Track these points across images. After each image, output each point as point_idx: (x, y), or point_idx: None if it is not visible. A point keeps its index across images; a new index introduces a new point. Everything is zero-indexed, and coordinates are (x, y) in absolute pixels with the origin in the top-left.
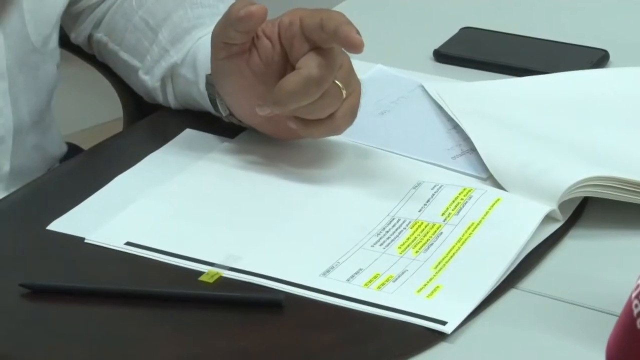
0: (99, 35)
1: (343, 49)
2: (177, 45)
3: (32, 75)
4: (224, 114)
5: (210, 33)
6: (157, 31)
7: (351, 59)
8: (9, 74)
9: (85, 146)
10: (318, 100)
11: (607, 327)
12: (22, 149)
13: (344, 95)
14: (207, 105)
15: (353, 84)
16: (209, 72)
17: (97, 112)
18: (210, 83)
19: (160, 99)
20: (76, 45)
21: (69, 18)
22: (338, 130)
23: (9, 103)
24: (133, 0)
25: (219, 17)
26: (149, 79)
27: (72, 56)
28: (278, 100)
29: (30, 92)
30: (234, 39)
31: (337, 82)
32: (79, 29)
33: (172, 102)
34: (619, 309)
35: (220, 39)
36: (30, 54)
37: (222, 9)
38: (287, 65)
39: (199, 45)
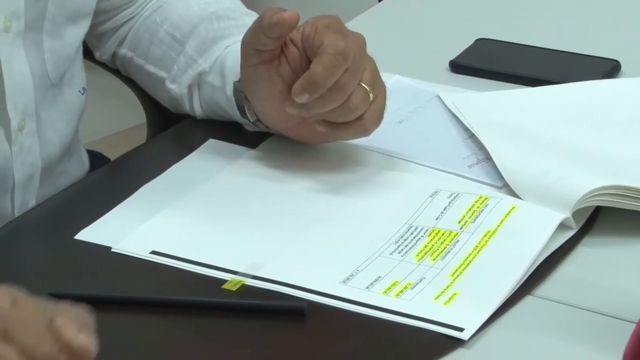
0: (124, 51)
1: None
2: (204, 54)
3: (54, 110)
4: (252, 120)
5: (238, 42)
6: (184, 43)
7: None
8: (36, 113)
9: (109, 154)
10: (346, 103)
11: (621, 333)
12: (49, 180)
13: (371, 98)
14: (233, 112)
15: (379, 86)
16: (236, 78)
17: (119, 119)
18: (237, 89)
19: (186, 106)
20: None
21: (94, 38)
22: (366, 132)
23: (37, 142)
24: (157, 17)
25: (244, 29)
26: (175, 87)
27: (94, 64)
28: (306, 87)
29: (55, 126)
30: (265, 45)
31: (363, 85)
32: (103, 48)
33: (197, 110)
34: (632, 315)
35: (252, 46)
36: (48, 90)
37: (247, 20)
38: None
39: (227, 53)
